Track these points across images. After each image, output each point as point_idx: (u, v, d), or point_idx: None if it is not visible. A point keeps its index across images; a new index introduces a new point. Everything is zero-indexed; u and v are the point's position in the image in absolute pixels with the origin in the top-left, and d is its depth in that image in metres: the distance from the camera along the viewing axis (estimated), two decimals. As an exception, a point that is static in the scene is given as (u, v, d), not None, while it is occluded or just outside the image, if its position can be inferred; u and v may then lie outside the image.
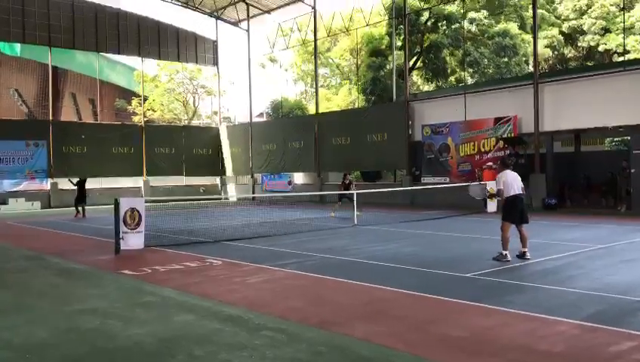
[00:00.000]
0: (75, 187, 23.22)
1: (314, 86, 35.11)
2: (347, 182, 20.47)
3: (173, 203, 26.27)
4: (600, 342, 5.16)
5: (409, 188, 24.28)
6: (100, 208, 26.30)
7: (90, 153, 31.63)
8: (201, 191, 35.56)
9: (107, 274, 9.37)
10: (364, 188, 24.92)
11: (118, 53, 34.79)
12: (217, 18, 36.49)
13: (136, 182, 33.56)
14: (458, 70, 33.95)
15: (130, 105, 42.39)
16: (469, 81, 31.70)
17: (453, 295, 7.10)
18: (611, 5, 33.73)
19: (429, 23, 32.74)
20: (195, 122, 44.63)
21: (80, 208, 22.77)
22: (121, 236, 11.56)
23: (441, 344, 5.25)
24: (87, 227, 18.06)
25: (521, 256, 9.68)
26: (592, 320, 5.83)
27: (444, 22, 32.50)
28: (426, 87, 36.02)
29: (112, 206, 11.77)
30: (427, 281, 8.15)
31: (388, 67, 33.13)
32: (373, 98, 33.57)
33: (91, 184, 31.78)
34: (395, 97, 29.01)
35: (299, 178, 34.35)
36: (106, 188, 31.70)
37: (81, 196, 22.98)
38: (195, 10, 35.61)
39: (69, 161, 30.82)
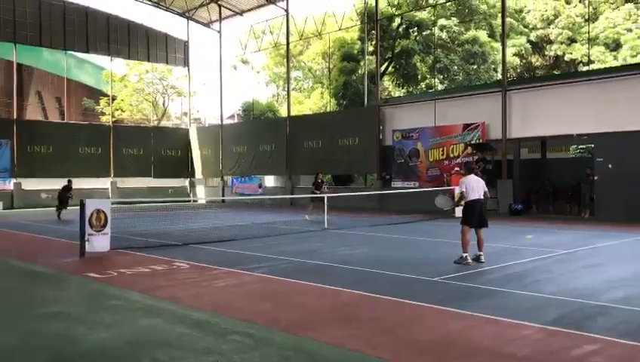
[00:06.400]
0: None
1: (286, 89, 35.09)
2: (319, 181, 20.51)
3: (141, 205, 25.92)
4: (562, 345, 5.26)
5: (379, 192, 24.42)
6: (66, 209, 25.77)
7: (56, 153, 30.97)
8: (170, 193, 35.17)
9: (72, 277, 9.17)
10: (335, 191, 24.97)
11: (87, 52, 34.13)
12: (189, 19, 36.16)
13: (104, 183, 32.98)
14: (428, 76, 34.35)
15: (99, 104, 41.69)
16: (439, 87, 32.10)
17: (422, 298, 7.16)
18: (577, 16, 34.62)
19: (400, 29, 33.05)
20: (164, 123, 44.12)
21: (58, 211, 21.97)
22: (86, 238, 11.32)
23: (410, 348, 5.28)
24: (52, 229, 17.67)
25: (476, 258, 9.87)
26: (555, 324, 5.94)
27: (416, 28, 32.86)
28: (397, 93, 36.33)
29: (78, 207, 11.54)
30: (396, 285, 8.20)
31: (360, 72, 33.32)
32: (344, 102, 33.72)
33: (57, 184, 31.19)
34: (366, 102, 29.19)
35: (270, 181, 34.25)
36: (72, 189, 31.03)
37: (61, 200, 22.19)
38: (166, 10, 35.23)
39: (34, 161, 30.14)
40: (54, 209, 22.31)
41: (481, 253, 9.95)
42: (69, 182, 23.00)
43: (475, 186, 9.95)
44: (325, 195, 18.30)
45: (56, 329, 5.98)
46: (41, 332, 5.86)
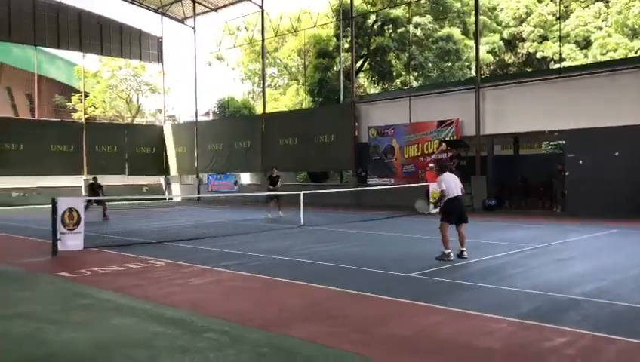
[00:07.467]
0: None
1: (261, 85, 34.94)
2: (274, 175, 20.26)
3: (115, 203, 25.57)
4: (535, 338, 5.35)
5: (355, 188, 24.50)
6: (38, 208, 25.33)
7: (27, 150, 30.34)
8: (144, 190, 34.75)
9: (43, 277, 9.00)
10: (311, 188, 24.96)
11: (58, 48, 33.45)
12: (163, 14, 35.73)
13: (76, 181, 32.43)
14: (403, 73, 34.55)
15: (71, 101, 40.96)
16: (414, 84, 32.31)
17: (397, 294, 7.20)
18: (548, 14, 35.16)
19: (375, 26, 33.16)
20: (138, 120, 43.55)
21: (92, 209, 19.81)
22: (58, 237, 11.13)
23: (385, 343, 5.31)
24: (23, 228, 17.32)
25: (460, 254, 9.95)
26: (528, 317, 6.04)
27: (390, 25, 33.01)
28: (373, 90, 36.48)
29: (50, 205, 11.34)
30: (372, 281, 8.24)
31: (335, 68, 33.35)
32: (320, 99, 33.71)
33: (28, 183, 30.62)
34: (342, 99, 29.23)
35: (245, 178, 34.08)
36: (44, 187, 30.52)
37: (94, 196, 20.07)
38: (139, 5, 34.77)
39: (4, 159, 29.46)
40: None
41: (464, 249, 10.00)
42: (95, 179, 20.94)
43: (453, 183, 10.04)
44: (280, 192, 18.31)
45: (26, 330, 5.86)
46: (10, 333, 5.74)
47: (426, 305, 6.69)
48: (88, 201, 19.68)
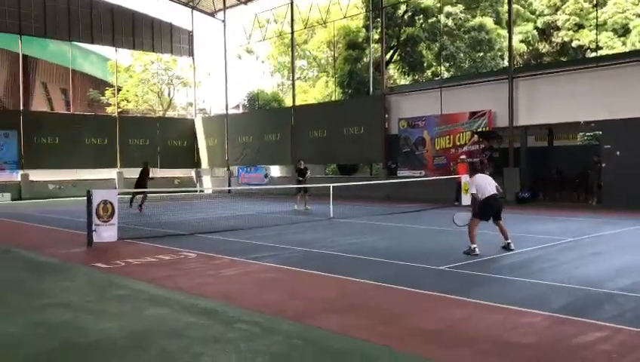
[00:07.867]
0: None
1: (291, 78, 34.98)
2: (302, 167, 20.37)
3: (148, 195, 25.94)
4: (568, 333, 5.25)
5: (385, 181, 24.37)
6: (73, 200, 25.91)
7: (62, 144, 31.03)
8: (176, 183, 35.24)
9: (79, 268, 9.22)
10: (340, 181, 24.95)
11: (92, 43, 34.07)
12: (193, 8, 36.03)
13: (110, 173, 33.06)
14: (434, 64, 34.14)
15: (104, 95, 41.73)
16: (445, 75, 31.90)
17: (427, 287, 7.17)
18: (585, 2, 34.23)
19: (405, 17, 32.81)
20: (170, 113, 44.11)
21: (136, 201, 20.14)
22: (93, 228, 11.38)
23: (415, 336, 5.29)
24: (59, 219, 17.76)
25: (507, 247, 9.92)
26: (561, 311, 5.94)
27: (421, 15, 32.62)
28: (403, 81, 36.15)
29: (85, 198, 11.59)
30: (401, 274, 8.20)
31: (365, 60, 33.15)
32: (350, 91, 33.58)
33: (64, 175, 31.36)
34: (371, 90, 29.05)
35: (275, 171, 34.24)
36: (78, 180, 31.22)
37: (138, 186, 20.41)
38: (170, -1, 35.13)
39: (41, 152, 30.21)
40: (131, 200, 20.00)
41: (509, 241, 9.99)
42: (146, 164, 20.94)
43: (485, 184, 9.98)
44: (308, 186, 18.39)
45: (63, 318, 6.02)
46: (48, 322, 5.90)
47: (456, 298, 6.63)
48: (133, 195, 20.28)
